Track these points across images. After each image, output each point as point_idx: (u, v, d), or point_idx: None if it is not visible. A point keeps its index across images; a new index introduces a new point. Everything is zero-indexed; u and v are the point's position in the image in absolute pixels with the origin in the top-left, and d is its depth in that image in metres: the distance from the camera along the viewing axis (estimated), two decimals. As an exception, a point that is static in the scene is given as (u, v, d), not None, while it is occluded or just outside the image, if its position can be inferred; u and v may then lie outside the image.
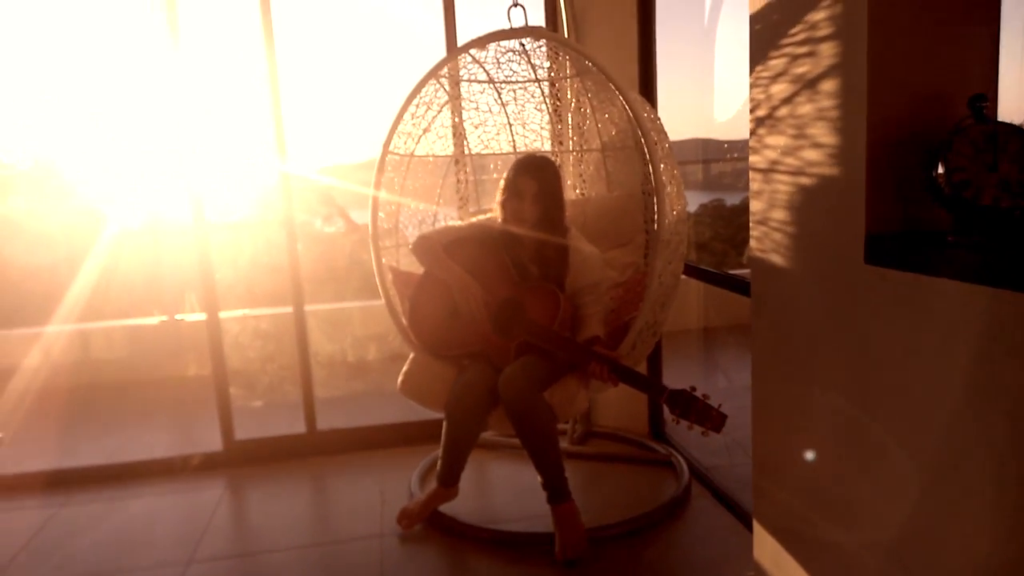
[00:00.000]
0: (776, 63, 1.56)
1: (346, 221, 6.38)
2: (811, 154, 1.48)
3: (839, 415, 1.48)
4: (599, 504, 2.57)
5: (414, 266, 2.65)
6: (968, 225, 1.21)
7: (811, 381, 1.57)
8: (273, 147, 2.92)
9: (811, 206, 1.50)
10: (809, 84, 1.46)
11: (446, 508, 2.50)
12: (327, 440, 3.15)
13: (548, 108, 2.81)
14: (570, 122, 2.83)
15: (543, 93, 2.79)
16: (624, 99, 2.15)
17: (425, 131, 2.68)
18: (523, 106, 2.82)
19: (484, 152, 2.90)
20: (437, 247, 2.46)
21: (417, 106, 2.56)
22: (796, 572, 1.69)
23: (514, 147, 2.91)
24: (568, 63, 2.71)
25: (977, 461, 1.11)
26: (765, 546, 1.84)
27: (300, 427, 3.14)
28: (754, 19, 1.65)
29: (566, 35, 2.80)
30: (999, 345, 1.05)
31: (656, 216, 2.16)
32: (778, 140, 1.60)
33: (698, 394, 2.05)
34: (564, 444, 3.00)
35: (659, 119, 2.37)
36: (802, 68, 1.48)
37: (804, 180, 1.51)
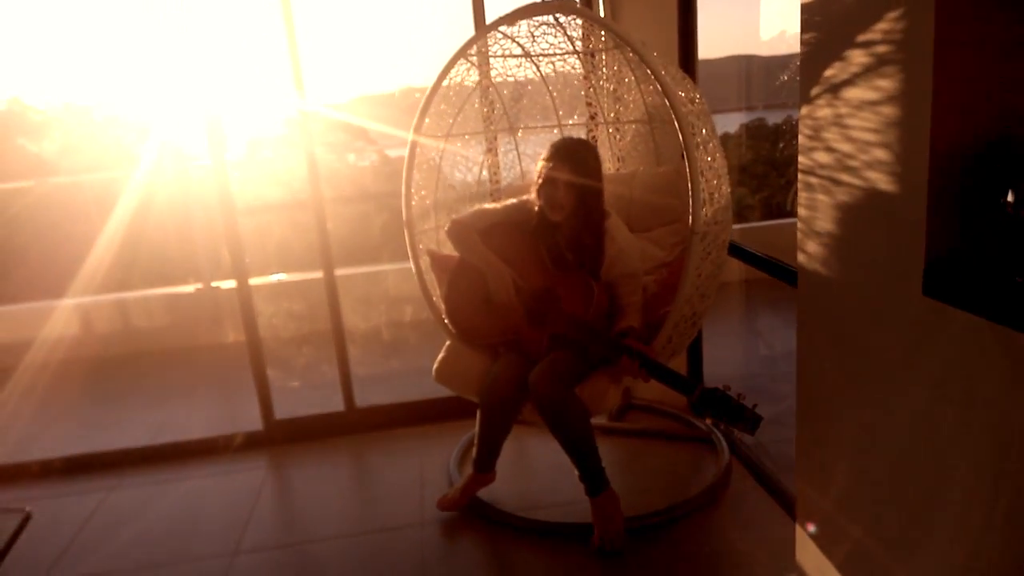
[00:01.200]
0: (831, 70, 1.46)
1: (379, 155, 6.33)
2: (866, 166, 1.39)
3: (887, 444, 1.43)
4: (636, 486, 2.57)
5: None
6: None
7: (858, 404, 1.52)
8: (290, 81, 2.80)
9: (865, 222, 1.42)
10: (867, 87, 1.36)
11: (486, 493, 2.52)
12: (366, 417, 3.17)
13: (592, 83, 2.71)
14: (611, 94, 2.72)
15: (583, 65, 2.68)
16: (659, 83, 2.04)
17: (457, 114, 2.60)
18: (562, 78, 2.72)
19: (523, 127, 2.82)
20: (471, 233, 2.40)
21: (448, 87, 2.48)
22: (841, 586, 1.66)
23: (558, 121, 2.83)
24: (605, 34, 2.60)
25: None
26: (807, 551, 1.82)
27: (339, 402, 3.17)
28: (806, 8, 1.54)
29: (601, 4, 2.68)
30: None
31: (691, 208, 2.08)
32: (832, 145, 1.51)
33: (732, 393, 1.99)
34: (602, 420, 2.98)
35: (699, 98, 2.26)
36: (858, 70, 1.38)
37: (858, 193, 1.43)
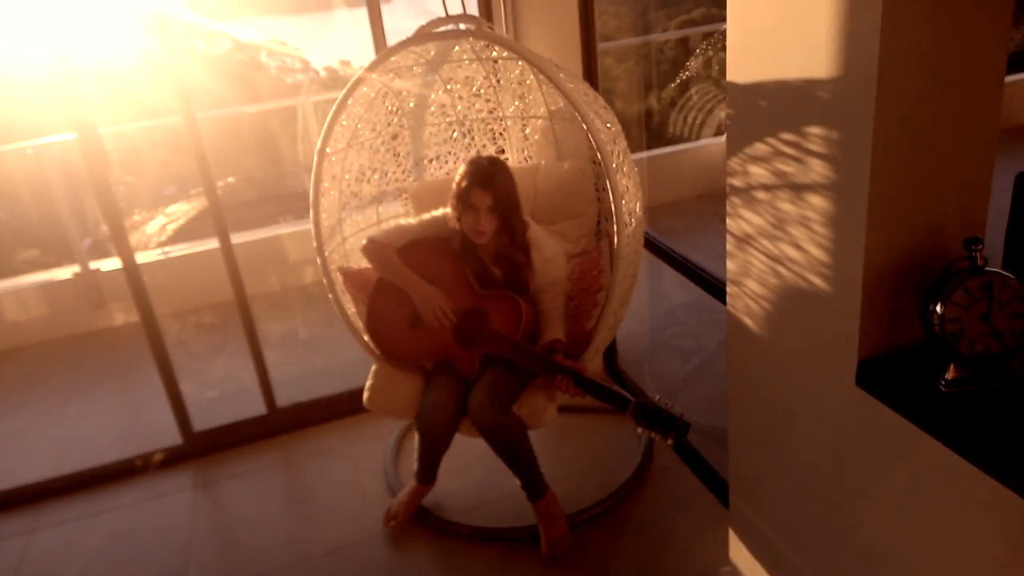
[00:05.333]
0: (759, 147, 1.51)
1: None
2: (794, 253, 1.47)
3: (816, 495, 1.59)
4: (567, 471, 2.71)
5: (366, 262, 2.56)
6: (959, 365, 1.26)
7: (788, 454, 1.66)
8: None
9: (794, 303, 1.52)
10: (795, 187, 1.42)
11: (430, 499, 2.60)
12: (290, 418, 3.15)
13: (492, 82, 2.66)
14: (512, 92, 2.68)
15: (482, 67, 2.61)
16: (579, 114, 2.04)
17: (357, 124, 2.50)
18: (465, 82, 2.66)
19: (428, 134, 2.77)
20: (391, 251, 2.37)
21: (350, 106, 2.37)
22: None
23: (458, 116, 2.77)
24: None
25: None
26: (740, 553, 2.02)
27: (258, 401, 3.12)
28: (733, 90, 1.57)
29: (503, 16, 2.59)
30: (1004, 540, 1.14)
31: (615, 232, 2.13)
32: (755, 219, 1.58)
33: (662, 404, 2.11)
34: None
35: (613, 121, 2.27)
36: (787, 167, 1.44)
37: (786, 273, 1.52)
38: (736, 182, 1.62)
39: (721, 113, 6.55)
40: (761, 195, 1.54)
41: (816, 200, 1.38)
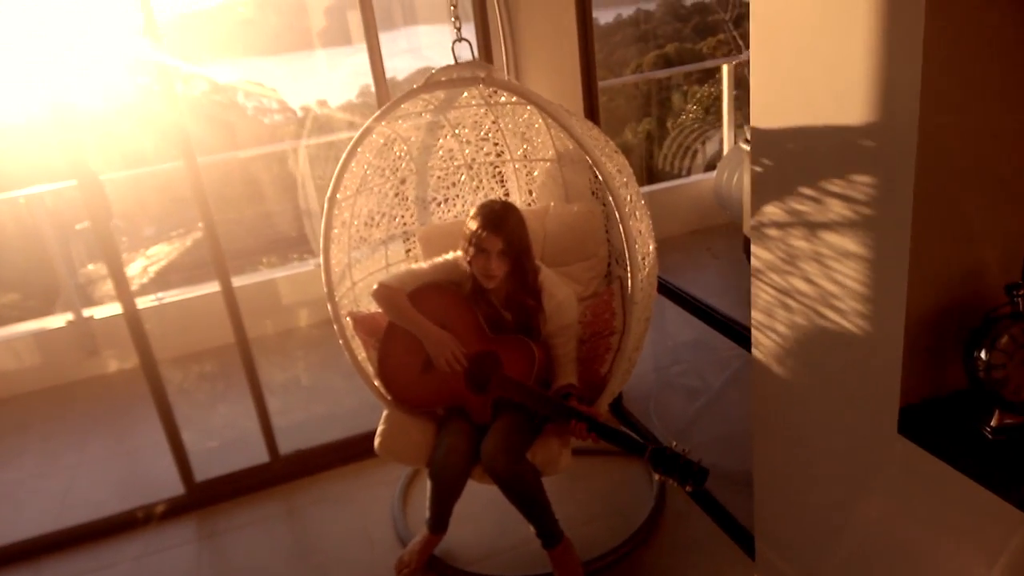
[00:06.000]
0: (787, 191, 1.51)
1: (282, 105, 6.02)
2: (829, 299, 1.47)
3: (853, 546, 1.57)
4: (580, 516, 2.67)
5: (376, 305, 2.54)
6: (1005, 411, 1.25)
7: (821, 504, 1.64)
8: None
9: (829, 349, 1.51)
10: (829, 232, 1.42)
11: (442, 547, 2.54)
12: (293, 465, 3.10)
13: (500, 126, 2.67)
14: (519, 135, 2.69)
15: (490, 111, 2.62)
16: (592, 161, 2.04)
17: (367, 168, 2.49)
18: (473, 126, 2.67)
19: (436, 177, 2.78)
20: (402, 296, 2.35)
21: (359, 154, 2.36)
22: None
23: (466, 160, 2.77)
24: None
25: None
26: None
27: (260, 450, 3.07)
28: (758, 135, 1.57)
29: (504, 59, 2.60)
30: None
31: (629, 278, 2.12)
32: (783, 264, 1.58)
33: (678, 450, 2.08)
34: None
35: (625, 166, 2.28)
36: (820, 212, 1.44)
37: (818, 318, 1.51)
38: (762, 226, 1.62)
39: (709, 148, 6.64)
40: (790, 239, 1.54)
41: (853, 246, 1.38)
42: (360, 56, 2.83)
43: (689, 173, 6.79)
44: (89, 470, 3.39)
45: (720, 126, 5.74)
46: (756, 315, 1.72)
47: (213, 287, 2.77)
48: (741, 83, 5.42)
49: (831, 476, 1.61)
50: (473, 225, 2.27)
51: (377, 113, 2.27)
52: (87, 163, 2.62)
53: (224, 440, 3.44)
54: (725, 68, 5.31)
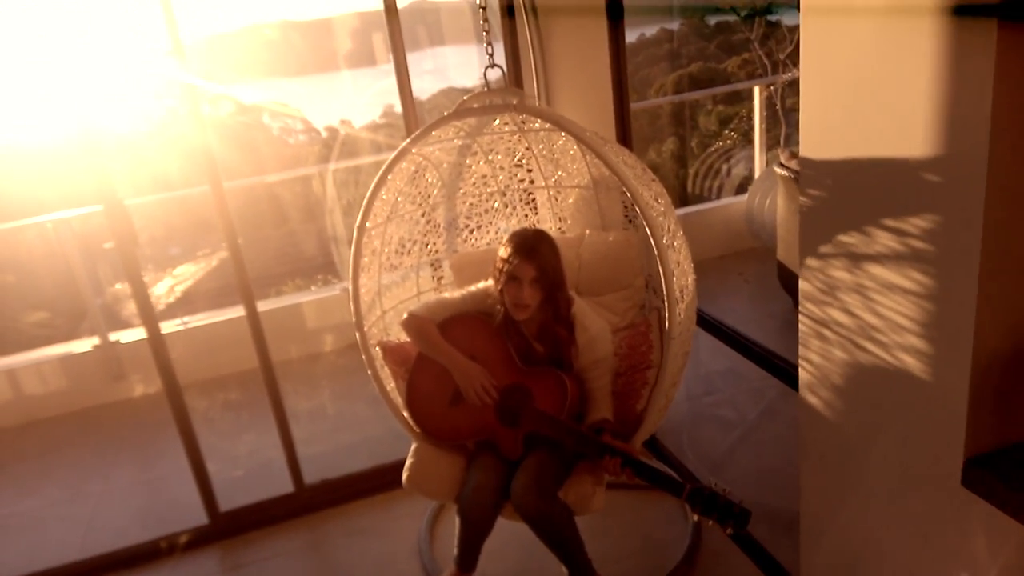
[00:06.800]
0: (841, 227, 1.44)
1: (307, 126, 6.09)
2: (885, 340, 1.39)
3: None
4: (614, 553, 2.58)
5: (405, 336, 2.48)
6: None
7: (874, 557, 1.56)
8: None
9: (886, 393, 1.43)
10: (888, 269, 1.35)
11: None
12: (318, 495, 3.04)
13: (533, 152, 2.62)
14: (552, 160, 2.64)
15: (527, 140, 2.58)
16: (629, 191, 1.98)
17: (398, 196, 2.45)
18: (506, 152, 2.62)
19: (469, 204, 2.74)
20: (431, 327, 2.30)
21: (388, 182, 2.32)
22: None
23: (499, 187, 2.73)
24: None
25: None
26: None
27: (285, 479, 3.02)
28: (807, 166, 1.50)
29: (535, 82, 2.56)
30: None
31: (667, 311, 2.05)
32: (835, 302, 1.50)
33: (718, 490, 2.00)
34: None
35: (663, 194, 2.21)
36: (876, 248, 1.36)
37: (874, 361, 1.43)
38: (811, 262, 1.55)
39: (742, 171, 6.55)
40: (843, 276, 1.47)
41: (912, 283, 1.30)
42: (384, 77, 2.81)
43: (719, 195, 6.70)
44: (113, 497, 3.36)
45: (747, 147, 5.66)
46: (805, 353, 1.64)
47: (238, 311, 2.74)
48: (769, 104, 5.35)
49: (886, 525, 1.52)
50: (505, 253, 2.22)
51: (407, 141, 2.23)
52: (113, 189, 2.60)
53: (248, 468, 3.39)
54: (757, 90, 5.23)
